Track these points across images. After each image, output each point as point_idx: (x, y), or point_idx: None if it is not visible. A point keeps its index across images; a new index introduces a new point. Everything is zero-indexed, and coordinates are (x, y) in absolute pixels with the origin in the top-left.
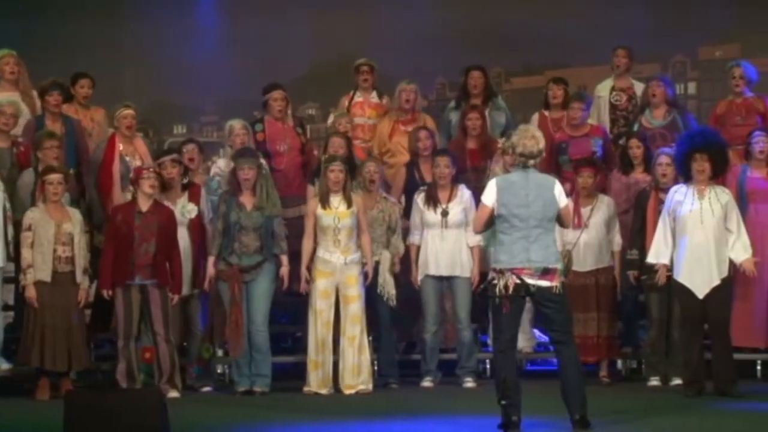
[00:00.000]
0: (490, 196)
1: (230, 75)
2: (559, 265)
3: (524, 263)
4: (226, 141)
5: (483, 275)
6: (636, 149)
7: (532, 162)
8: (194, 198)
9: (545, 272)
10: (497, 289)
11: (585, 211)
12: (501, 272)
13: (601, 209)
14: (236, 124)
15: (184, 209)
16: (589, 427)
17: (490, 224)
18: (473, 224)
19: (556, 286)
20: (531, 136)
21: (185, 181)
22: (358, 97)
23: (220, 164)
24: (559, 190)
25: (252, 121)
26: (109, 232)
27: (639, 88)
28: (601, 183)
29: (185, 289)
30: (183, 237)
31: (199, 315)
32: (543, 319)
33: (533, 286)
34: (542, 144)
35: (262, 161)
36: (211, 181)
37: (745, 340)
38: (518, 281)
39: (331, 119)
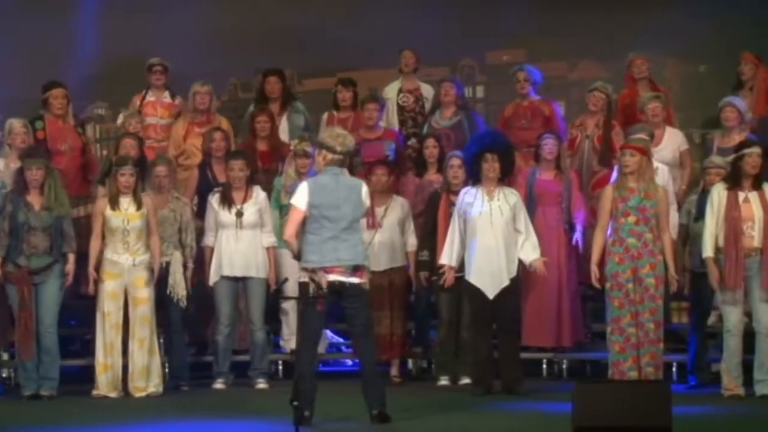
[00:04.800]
0: (302, 198)
1: (12, 73)
2: (366, 263)
3: (334, 262)
4: (5, 140)
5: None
6: (432, 148)
7: (348, 161)
8: None
9: (355, 270)
10: (310, 288)
11: (379, 211)
12: (312, 271)
13: (395, 209)
14: (16, 123)
15: None
16: (388, 421)
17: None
18: (285, 228)
19: (365, 283)
20: (346, 134)
21: None
22: (150, 97)
23: None
24: (365, 192)
25: (32, 119)
26: None
27: (426, 89)
28: (394, 184)
29: None
30: None
31: None
32: (345, 317)
33: (346, 283)
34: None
35: None
36: None
37: (532, 340)
38: (331, 279)
39: (120, 119)
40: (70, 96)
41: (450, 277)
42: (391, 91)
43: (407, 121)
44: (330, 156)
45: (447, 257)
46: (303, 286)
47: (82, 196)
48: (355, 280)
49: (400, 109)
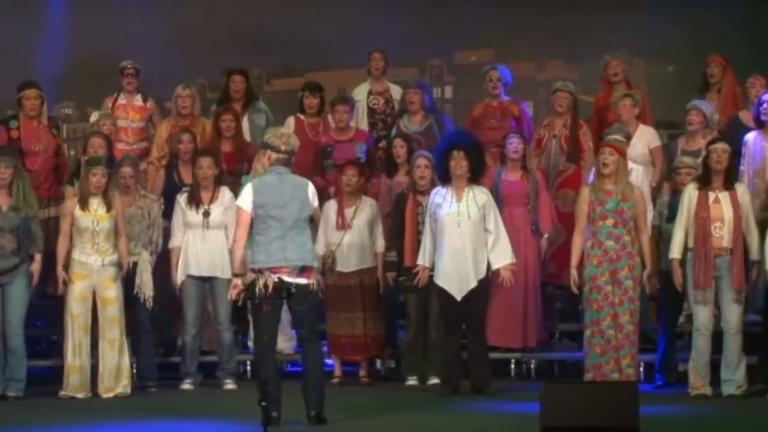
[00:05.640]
0: (246, 200)
1: None
2: (315, 263)
3: (282, 262)
4: None
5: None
6: (399, 148)
7: (292, 160)
8: None
9: (302, 270)
10: (257, 289)
11: (349, 211)
12: (260, 272)
13: (365, 210)
14: None
15: None
16: (324, 423)
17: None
18: (234, 233)
19: (313, 284)
20: (290, 134)
21: None
22: (122, 100)
23: None
24: (312, 191)
25: (6, 118)
26: None
27: (396, 90)
28: (365, 185)
29: None
30: None
31: None
32: (293, 318)
33: (292, 284)
34: (298, 142)
35: None
36: None
37: (500, 340)
38: (277, 280)
39: (95, 117)
40: (45, 96)
41: (425, 276)
42: (360, 94)
43: (378, 124)
44: (274, 156)
45: (422, 257)
46: (250, 288)
47: (53, 198)
48: (302, 280)
49: (371, 111)
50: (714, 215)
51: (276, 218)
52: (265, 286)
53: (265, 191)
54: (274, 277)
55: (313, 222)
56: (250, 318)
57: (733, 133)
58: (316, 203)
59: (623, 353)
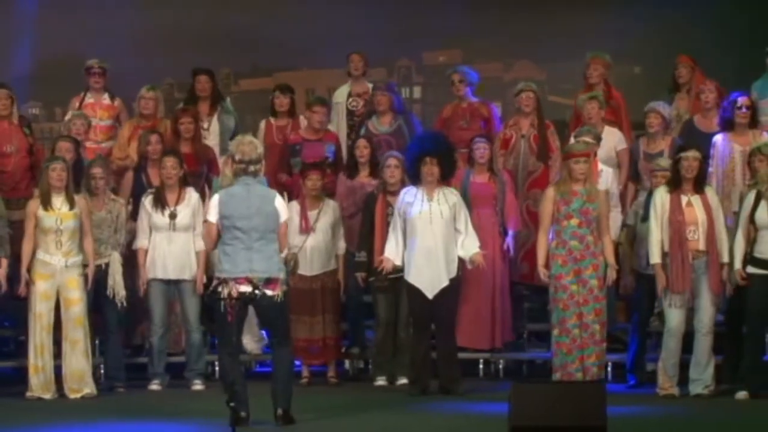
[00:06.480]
0: (213, 211)
1: None
2: (281, 275)
3: (247, 273)
4: None
5: (210, 279)
6: (363, 149)
7: (252, 168)
8: None
9: (268, 282)
10: (221, 298)
11: (312, 214)
12: (225, 281)
13: (328, 213)
14: None
15: None
16: (292, 423)
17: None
18: (204, 243)
19: (278, 295)
20: (249, 142)
21: None
22: (89, 99)
23: None
24: (279, 202)
25: None
26: None
27: None
28: (330, 187)
29: None
30: None
31: None
32: (263, 324)
33: (257, 294)
34: (260, 149)
35: None
36: None
37: (469, 341)
38: (242, 290)
39: (69, 116)
40: (15, 96)
41: (388, 266)
42: (340, 96)
43: (357, 126)
44: (235, 166)
45: (389, 252)
46: (216, 296)
47: (30, 198)
48: (267, 292)
49: (350, 113)
50: (688, 218)
51: (242, 229)
52: (230, 295)
53: (231, 203)
54: (239, 288)
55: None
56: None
57: (688, 139)
58: (285, 213)
59: (588, 352)
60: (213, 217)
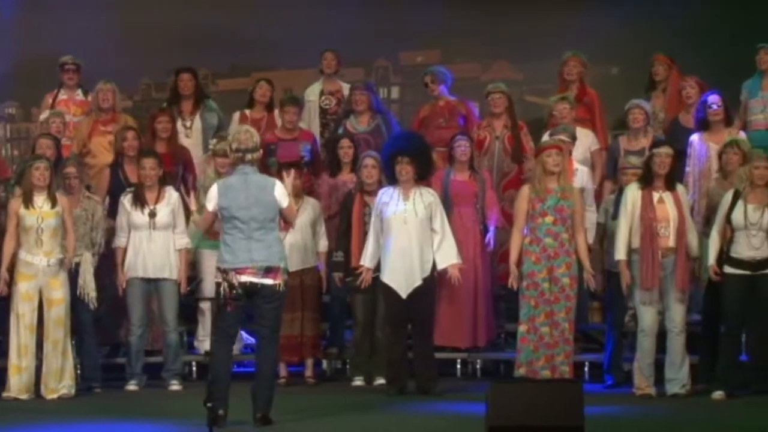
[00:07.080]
0: (211, 200)
1: None
2: (282, 264)
3: (247, 263)
4: None
5: (191, 278)
6: (347, 149)
7: (249, 157)
8: None
9: (268, 271)
10: (222, 288)
11: None
12: (225, 272)
13: (307, 210)
14: None
15: None
16: (270, 424)
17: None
18: (198, 224)
19: (279, 284)
20: (245, 131)
21: None
22: (63, 95)
23: None
24: (279, 191)
25: None
26: None
27: (348, 90)
28: (307, 186)
29: None
30: None
31: None
32: (255, 316)
33: (258, 284)
34: (257, 138)
35: None
36: None
37: (447, 340)
38: (243, 280)
39: (45, 114)
40: None
41: (368, 277)
42: (312, 94)
43: (329, 124)
44: (233, 155)
45: (364, 258)
46: (216, 287)
47: None
48: (267, 281)
49: (323, 112)
50: (660, 215)
51: (240, 219)
52: (231, 286)
53: (228, 193)
54: (240, 278)
55: (287, 222)
56: (199, 318)
57: (673, 136)
58: (285, 202)
59: (557, 350)
60: (211, 206)
